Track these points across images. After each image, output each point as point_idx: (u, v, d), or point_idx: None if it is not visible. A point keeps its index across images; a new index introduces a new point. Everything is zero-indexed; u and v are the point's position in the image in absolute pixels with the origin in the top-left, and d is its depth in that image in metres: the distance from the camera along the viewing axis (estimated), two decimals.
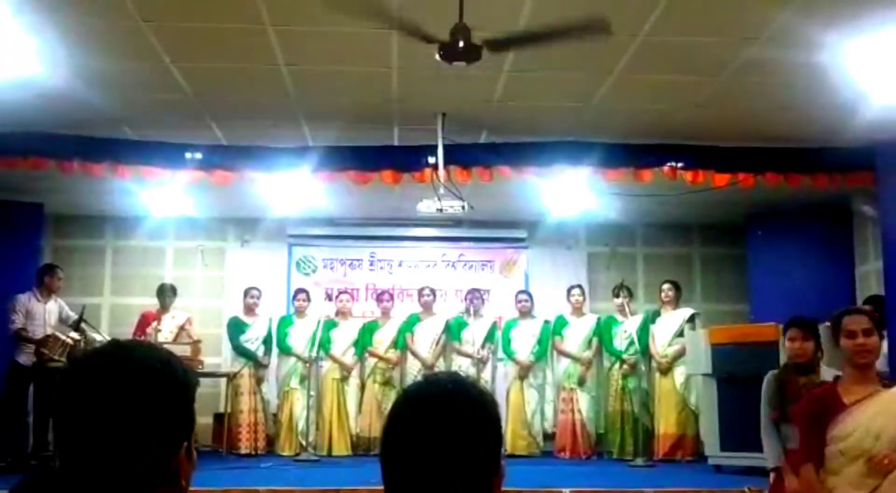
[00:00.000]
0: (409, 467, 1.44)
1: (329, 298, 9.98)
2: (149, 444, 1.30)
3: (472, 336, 8.88)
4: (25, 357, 7.83)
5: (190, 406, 1.39)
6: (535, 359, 9.05)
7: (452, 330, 9.11)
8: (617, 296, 8.99)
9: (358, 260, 10.42)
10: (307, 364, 8.84)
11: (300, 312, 9.28)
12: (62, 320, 8.25)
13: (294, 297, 9.48)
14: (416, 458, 1.43)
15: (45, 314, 8.14)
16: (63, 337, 7.63)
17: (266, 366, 9.14)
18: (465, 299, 9.35)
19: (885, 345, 7.70)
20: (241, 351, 9.05)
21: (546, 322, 9.23)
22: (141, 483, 1.30)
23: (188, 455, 1.37)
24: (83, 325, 7.97)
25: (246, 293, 9.31)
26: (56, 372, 7.55)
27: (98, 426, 1.28)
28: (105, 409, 1.28)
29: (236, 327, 9.15)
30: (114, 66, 5.91)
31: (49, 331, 7.92)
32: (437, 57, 4.42)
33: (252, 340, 9.08)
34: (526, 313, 9.26)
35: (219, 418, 8.88)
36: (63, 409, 1.32)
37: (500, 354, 9.21)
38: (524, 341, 9.08)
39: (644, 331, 8.86)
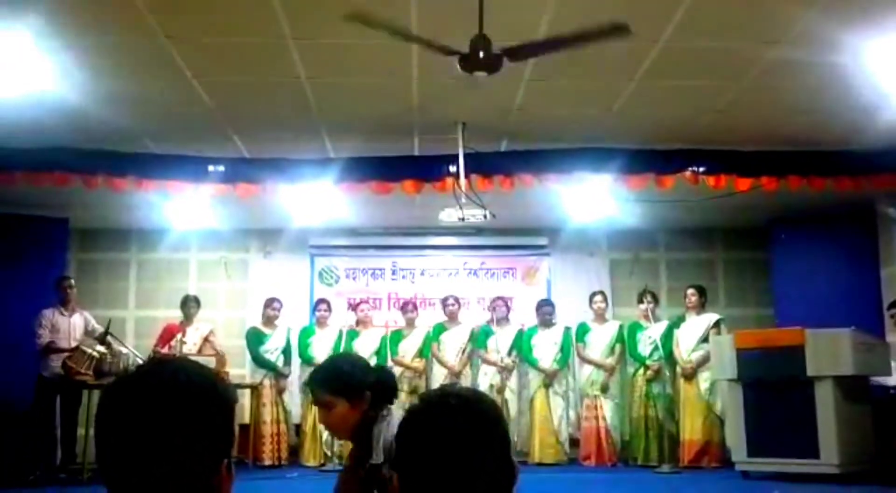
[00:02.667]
0: (421, 479, 1.49)
1: (352, 308, 10.01)
2: (191, 461, 1.31)
3: (497, 344, 8.87)
4: (52, 370, 7.89)
5: (230, 424, 1.41)
6: (559, 366, 9.02)
7: (479, 338, 9.10)
8: (641, 301, 8.96)
9: (380, 270, 10.45)
10: None
11: (321, 322, 9.31)
12: (88, 333, 8.32)
13: (315, 307, 9.52)
14: (426, 469, 1.49)
15: (69, 328, 8.20)
16: (89, 350, 7.68)
17: (287, 376, 9.17)
18: (490, 306, 9.33)
19: None
20: (260, 362, 9.08)
21: (567, 329, 9.20)
22: None
23: (228, 472, 1.38)
24: (109, 338, 8.02)
25: (267, 304, 9.34)
26: (82, 385, 7.63)
27: (141, 444, 1.29)
28: (148, 427, 1.30)
29: (255, 338, 9.18)
30: (137, 82, 5.98)
31: (74, 344, 7.99)
32: (458, 67, 4.43)
33: (272, 350, 9.11)
34: (548, 323, 9.24)
35: (244, 429, 8.91)
36: (106, 427, 1.33)
37: (524, 362, 9.18)
38: (546, 349, 9.05)
39: (668, 337, 8.82)
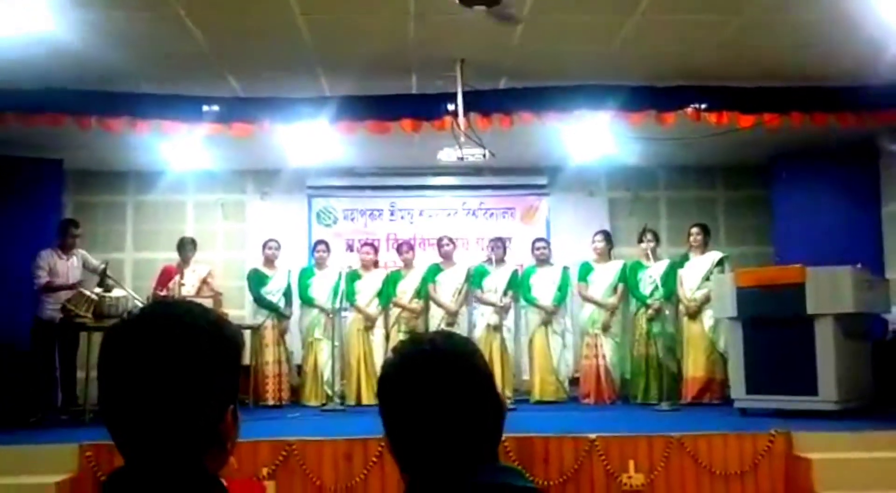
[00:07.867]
0: (408, 431, 1.48)
1: (350, 249, 9.98)
2: (197, 406, 1.27)
3: (495, 285, 8.85)
4: (49, 313, 7.88)
5: (237, 368, 1.36)
6: (556, 304, 9.01)
7: (474, 278, 9.08)
8: (641, 241, 8.92)
9: (378, 210, 10.40)
10: (330, 315, 8.87)
11: (320, 263, 9.28)
12: (88, 269, 8.31)
13: (314, 248, 9.48)
14: (411, 421, 1.47)
15: (67, 270, 8.18)
16: (88, 293, 7.66)
17: (288, 318, 9.18)
18: (488, 247, 9.28)
19: None
20: (262, 303, 9.07)
21: (565, 268, 9.18)
22: (189, 447, 1.27)
23: (234, 418, 1.34)
24: (107, 280, 7.99)
25: (264, 245, 9.30)
26: (80, 328, 7.63)
27: (146, 387, 1.25)
28: (154, 369, 1.25)
29: (257, 279, 9.16)
30: (128, 20, 5.86)
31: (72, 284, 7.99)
32: (457, 1, 4.33)
33: (273, 292, 9.10)
34: (544, 261, 9.21)
35: (245, 370, 8.94)
36: (111, 369, 1.29)
37: (522, 301, 9.17)
38: (544, 288, 9.04)
39: (669, 276, 8.80)
